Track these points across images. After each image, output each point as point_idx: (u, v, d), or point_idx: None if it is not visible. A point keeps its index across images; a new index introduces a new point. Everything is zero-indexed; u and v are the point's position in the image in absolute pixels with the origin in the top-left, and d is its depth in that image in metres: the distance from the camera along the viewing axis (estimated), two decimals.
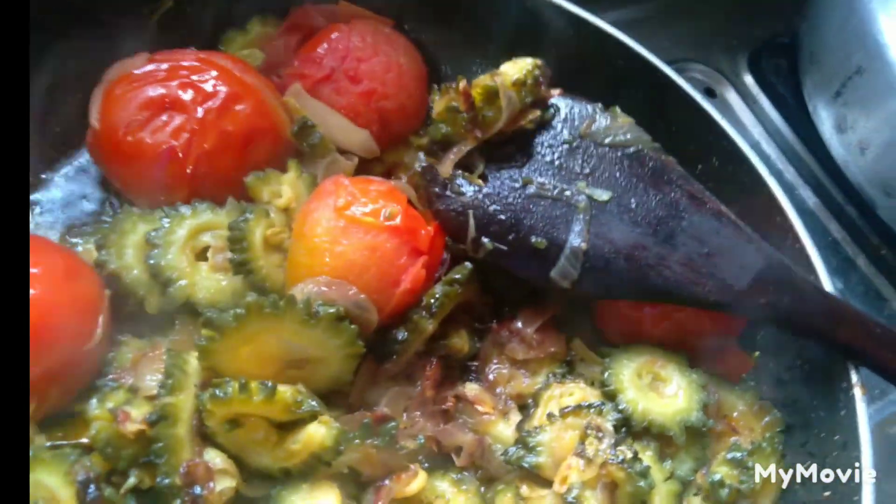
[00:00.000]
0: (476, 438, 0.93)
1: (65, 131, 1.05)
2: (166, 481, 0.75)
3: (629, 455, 0.85)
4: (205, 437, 0.81)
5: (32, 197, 1.01)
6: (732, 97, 1.62)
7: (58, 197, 1.02)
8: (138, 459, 0.77)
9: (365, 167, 1.09)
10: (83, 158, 1.06)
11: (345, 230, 0.86)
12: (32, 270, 0.79)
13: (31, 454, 0.76)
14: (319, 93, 1.07)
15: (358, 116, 1.08)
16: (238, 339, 0.82)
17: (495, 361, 0.99)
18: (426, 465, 0.91)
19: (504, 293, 1.01)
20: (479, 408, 0.95)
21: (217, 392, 0.77)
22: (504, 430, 0.94)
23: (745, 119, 1.63)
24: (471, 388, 0.96)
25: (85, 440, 0.80)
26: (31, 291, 0.78)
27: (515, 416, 0.96)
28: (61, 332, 0.79)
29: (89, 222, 1.01)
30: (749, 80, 1.65)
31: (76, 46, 1.02)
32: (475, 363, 0.99)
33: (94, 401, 0.78)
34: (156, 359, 0.84)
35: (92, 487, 0.73)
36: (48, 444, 0.79)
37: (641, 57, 1.12)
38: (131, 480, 0.76)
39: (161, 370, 0.81)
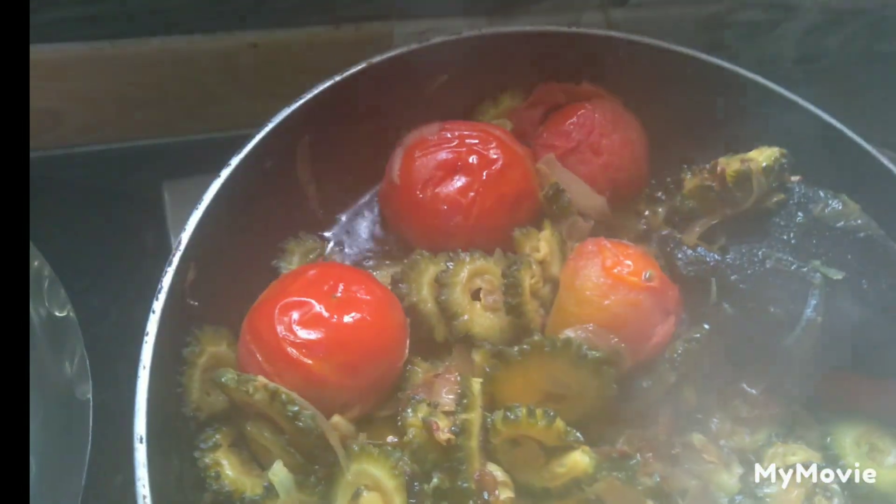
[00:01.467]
0: (701, 484, 1.04)
1: (356, 183, 1.25)
2: (465, 485, 0.90)
3: None
4: (487, 452, 0.96)
5: (330, 234, 1.22)
6: None
7: (347, 235, 1.22)
8: (440, 464, 0.92)
9: (593, 230, 1.24)
10: (362, 205, 1.26)
11: (612, 287, 1.00)
12: (366, 297, 0.97)
13: (356, 448, 0.93)
14: (566, 162, 1.23)
15: (595, 184, 1.23)
16: (518, 371, 0.97)
17: (717, 417, 1.09)
18: None
19: (729, 356, 1.12)
20: (705, 456, 1.05)
21: (509, 414, 0.92)
22: (727, 479, 1.04)
23: None
24: (698, 438, 1.06)
25: (390, 441, 0.97)
26: (366, 317, 0.96)
27: (737, 469, 1.05)
28: (386, 350, 0.97)
29: (371, 256, 1.20)
30: None
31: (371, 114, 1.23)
32: (699, 415, 1.10)
33: (409, 410, 0.95)
34: (447, 381, 1.00)
35: (416, 483, 0.89)
36: (369, 441, 0.95)
37: (854, 142, 1.22)
38: (435, 481, 0.91)
39: (453, 390, 0.97)
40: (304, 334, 0.93)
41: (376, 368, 0.96)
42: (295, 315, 0.94)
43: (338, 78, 1.13)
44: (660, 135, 1.38)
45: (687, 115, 1.36)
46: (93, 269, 1.48)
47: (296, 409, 0.90)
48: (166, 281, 0.93)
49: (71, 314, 1.23)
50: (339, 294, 0.97)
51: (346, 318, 0.95)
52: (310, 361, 0.92)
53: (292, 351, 0.92)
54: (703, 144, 1.29)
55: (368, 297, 0.98)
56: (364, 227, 1.24)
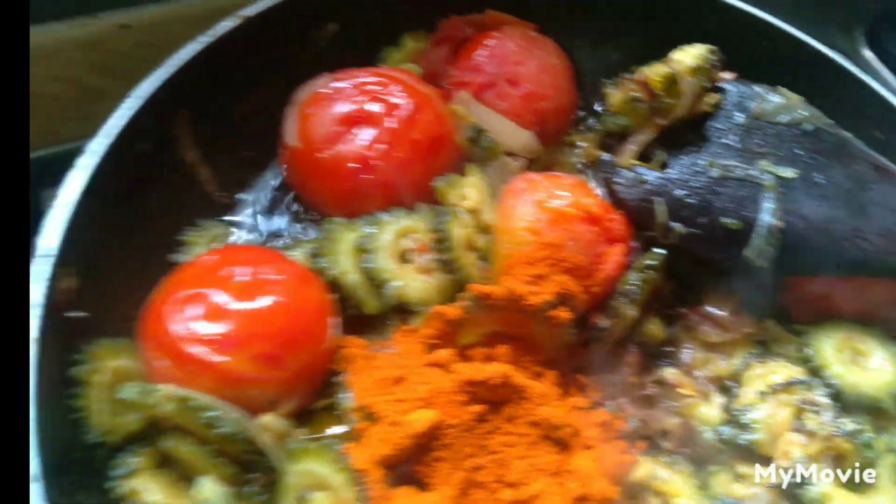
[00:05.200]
0: (682, 421, 0.95)
1: (253, 155, 1.12)
2: None
3: (853, 426, 0.85)
4: None
5: (236, 217, 1.08)
6: None
7: (256, 215, 1.09)
8: None
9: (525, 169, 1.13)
10: (268, 178, 1.13)
11: (549, 222, 0.90)
12: (277, 277, 0.85)
13: (293, 447, 0.81)
14: (482, 98, 1.12)
15: (519, 119, 1.13)
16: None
17: (688, 346, 1.01)
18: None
19: (687, 279, 1.03)
20: (681, 391, 0.97)
21: None
22: (708, 411, 0.95)
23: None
24: (670, 373, 0.98)
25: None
26: (280, 299, 0.83)
27: (717, 397, 0.97)
28: (308, 333, 0.85)
29: (284, 235, 1.07)
30: (868, 54, 1.65)
31: (256, 77, 1.10)
32: (668, 349, 1.01)
33: (345, 395, 0.83)
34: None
35: None
36: (307, 436, 0.84)
37: (790, 35, 1.14)
38: None
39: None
40: (208, 329, 0.80)
41: (300, 355, 0.84)
42: (194, 310, 0.81)
43: (207, 39, 0.99)
44: (583, 58, 1.28)
45: (606, 31, 1.27)
46: None
47: (212, 414, 0.78)
48: (36, 295, 0.78)
49: None
50: (243, 278, 0.84)
51: (256, 304, 0.83)
52: (220, 359, 0.80)
53: (197, 350, 0.80)
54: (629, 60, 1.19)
55: (280, 277, 0.86)
56: (272, 202, 1.10)
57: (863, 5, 1.70)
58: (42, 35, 1.23)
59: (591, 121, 1.16)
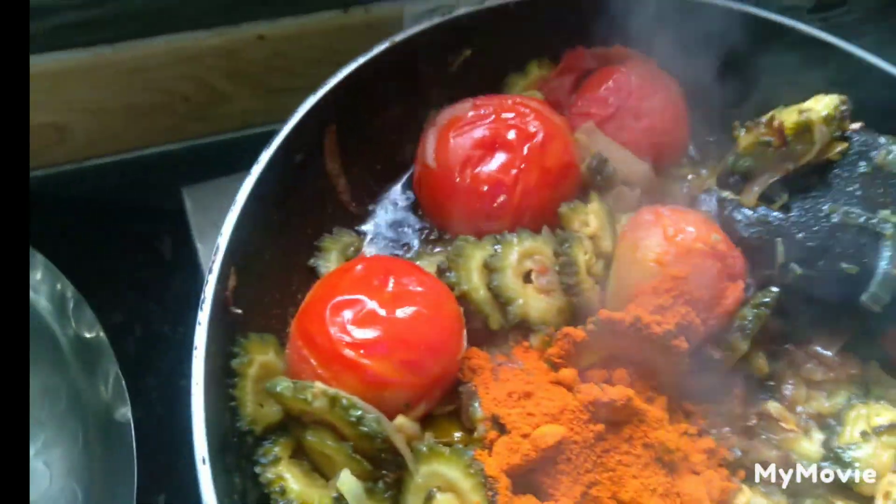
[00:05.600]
0: (782, 454, 0.99)
1: (384, 169, 1.19)
2: None
3: None
4: None
5: (365, 227, 1.16)
6: None
7: (382, 226, 1.16)
8: None
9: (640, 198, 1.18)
10: (394, 193, 1.20)
11: (677, 255, 0.95)
12: (419, 289, 0.92)
13: (424, 449, 0.88)
14: (605, 129, 1.17)
15: (638, 150, 1.18)
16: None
17: (790, 382, 1.04)
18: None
19: (796, 317, 1.06)
20: (783, 425, 1.00)
21: None
22: (808, 446, 0.99)
23: None
24: (773, 406, 1.01)
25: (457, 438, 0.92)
26: (423, 310, 0.90)
27: (817, 434, 1.01)
28: (445, 343, 0.92)
29: (411, 248, 1.14)
30: None
31: (392, 95, 1.17)
32: (771, 383, 1.05)
33: (476, 404, 0.90)
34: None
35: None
36: (434, 440, 0.90)
37: None
38: None
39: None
40: (360, 334, 0.87)
41: (437, 363, 0.91)
42: (348, 314, 0.89)
43: (361, 60, 1.07)
44: (695, 95, 1.32)
45: (721, 71, 1.31)
46: (114, 285, 1.43)
47: (359, 413, 0.85)
48: (209, 289, 0.87)
49: (100, 334, 1.18)
50: (390, 288, 0.91)
51: (402, 313, 0.90)
52: (369, 362, 0.87)
53: (349, 352, 0.87)
54: (739, 102, 1.23)
55: (421, 289, 0.92)
56: (399, 215, 1.18)
57: None
58: (184, 41, 1.33)
59: (699, 156, 1.20)
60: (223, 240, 0.89)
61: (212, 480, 0.76)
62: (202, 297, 0.86)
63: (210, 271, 0.87)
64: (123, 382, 1.13)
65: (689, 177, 1.26)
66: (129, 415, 1.11)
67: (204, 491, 0.76)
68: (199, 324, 0.84)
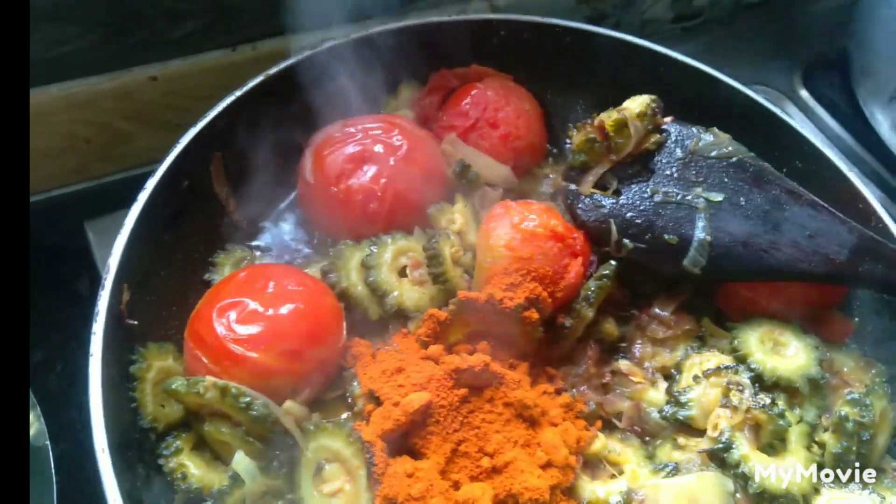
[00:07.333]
0: (633, 404, 1.14)
1: (272, 189, 1.31)
2: None
3: (768, 401, 1.05)
4: None
5: (257, 242, 1.28)
6: (792, 111, 1.84)
7: (274, 240, 1.28)
8: None
9: (503, 198, 1.33)
10: (283, 210, 1.33)
11: (522, 240, 1.10)
12: (298, 288, 1.04)
13: (311, 428, 0.99)
14: (467, 139, 1.33)
15: (498, 155, 1.33)
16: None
17: (639, 342, 1.20)
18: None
19: (638, 286, 1.23)
20: (633, 378, 1.15)
21: None
22: (655, 395, 1.14)
23: (805, 129, 1.85)
24: (624, 364, 1.16)
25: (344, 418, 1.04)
26: (301, 306, 1.02)
27: (663, 384, 1.16)
28: (324, 333, 1.04)
29: (299, 256, 1.27)
30: (805, 94, 1.88)
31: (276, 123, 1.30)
32: (623, 344, 1.20)
33: (355, 383, 1.02)
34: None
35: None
36: (321, 420, 1.02)
37: (723, 83, 1.36)
38: None
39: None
40: (244, 330, 0.99)
41: (318, 351, 1.03)
42: (233, 315, 1.00)
43: (238, 93, 1.19)
44: (553, 103, 1.49)
45: (573, 81, 1.49)
46: (35, 327, 1.49)
47: (248, 399, 0.96)
48: (102, 303, 0.97)
49: None
50: (270, 290, 1.03)
51: (282, 310, 1.02)
52: (254, 354, 0.98)
53: (235, 347, 0.98)
54: (592, 105, 1.42)
55: (300, 288, 1.05)
56: (288, 230, 1.30)
57: (800, 50, 1.95)
58: (78, 87, 1.42)
59: (558, 157, 1.37)
60: (113, 260, 1.00)
61: (111, 466, 0.85)
62: (96, 310, 0.95)
63: (102, 287, 0.97)
64: (39, 409, 1.19)
65: (551, 175, 1.43)
66: (48, 440, 1.16)
67: (105, 478, 0.85)
68: (94, 333, 0.93)
